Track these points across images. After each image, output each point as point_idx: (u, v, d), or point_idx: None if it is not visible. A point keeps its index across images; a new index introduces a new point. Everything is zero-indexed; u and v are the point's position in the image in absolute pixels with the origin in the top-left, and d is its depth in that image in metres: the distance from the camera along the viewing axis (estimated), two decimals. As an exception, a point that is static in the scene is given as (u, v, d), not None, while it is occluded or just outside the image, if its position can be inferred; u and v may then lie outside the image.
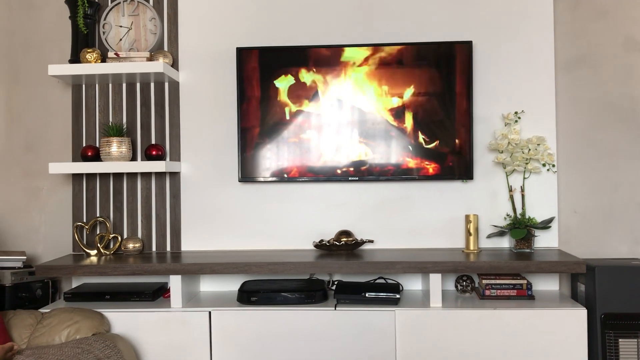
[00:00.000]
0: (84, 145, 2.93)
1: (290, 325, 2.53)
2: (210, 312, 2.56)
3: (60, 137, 3.01)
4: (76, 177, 2.95)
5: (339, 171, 2.85)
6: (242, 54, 2.85)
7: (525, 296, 2.61)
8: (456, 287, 2.78)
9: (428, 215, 2.88)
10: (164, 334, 2.54)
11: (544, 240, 2.85)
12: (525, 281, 2.62)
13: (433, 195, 2.88)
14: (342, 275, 2.88)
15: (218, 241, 2.93)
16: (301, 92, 2.86)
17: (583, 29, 2.90)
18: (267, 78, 2.85)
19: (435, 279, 2.55)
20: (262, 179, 2.87)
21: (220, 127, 2.93)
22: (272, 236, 2.92)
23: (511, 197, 2.83)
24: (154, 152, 2.82)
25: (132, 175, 2.95)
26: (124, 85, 2.95)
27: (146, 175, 2.95)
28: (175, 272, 2.58)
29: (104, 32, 2.91)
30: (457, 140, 2.81)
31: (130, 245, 2.85)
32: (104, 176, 2.95)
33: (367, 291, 2.59)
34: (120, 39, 2.91)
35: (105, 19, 2.91)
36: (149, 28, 2.91)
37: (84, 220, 2.94)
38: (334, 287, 2.78)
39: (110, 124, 2.89)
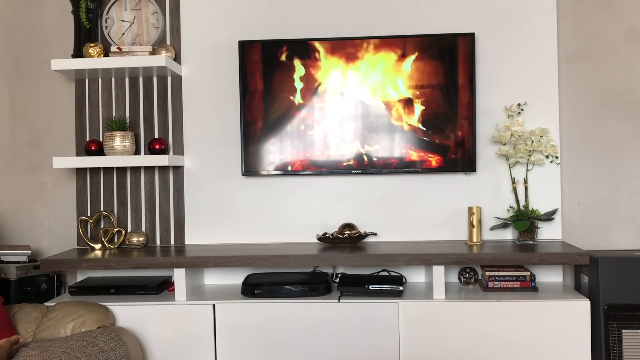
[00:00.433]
0: (88, 139, 2.94)
1: (294, 318, 2.54)
2: (214, 305, 2.57)
3: (63, 131, 3.02)
4: (80, 172, 2.96)
5: (342, 164, 2.85)
6: (245, 47, 2.85)
7: (529, 288, 2.62)
8: (459, 279, 2.78)
9: (431, 207, 2.88)
10: (169, 327, 2.56)
11: (547, 232, 2.85)
12: (528, 273, 2.62)
13: (436, 188, 2.88)
14: (346, 268, 2.89)
15: (222, 234, 2.94)
16: (304, 86, 2.86)
17: (586, 21, 2.88)
18: (269, 71, 2.85)
19: (439, 271, 2.55)
20: (265, 173, 2.87)
21: (223, 120, 2.93)
22: (275, 229, 2.93)
23: (514, 189, 2.83)
24: (157, 146, 2.82)
25: (135, 170, 2.96)
26: (127, 79, 2.95)
27: (149, 169, 2.96)
28: (179, 265, 2.59)
29: (106, 27, 2.92)
30: (459, 133, 2.81)
31: (134, 239, 2.86)
32: (108, 170, 2.96)
33: (371, 283, 2.60)
34: (123, 33, 2.92)
35: (107, 14, 2.92)
36: (151, 22, 2.91)
37: (88, 215, 2.95)
38: (337, 280, 2.78)
39: (113, 119, 2.89)
